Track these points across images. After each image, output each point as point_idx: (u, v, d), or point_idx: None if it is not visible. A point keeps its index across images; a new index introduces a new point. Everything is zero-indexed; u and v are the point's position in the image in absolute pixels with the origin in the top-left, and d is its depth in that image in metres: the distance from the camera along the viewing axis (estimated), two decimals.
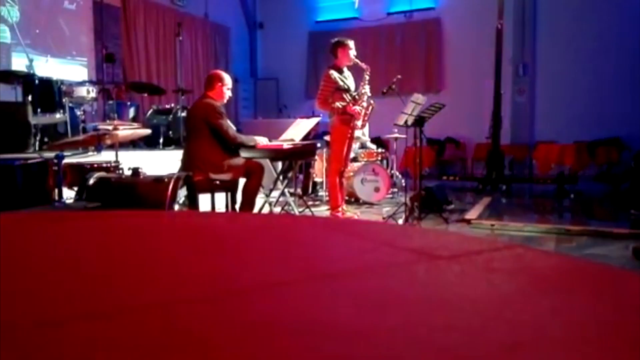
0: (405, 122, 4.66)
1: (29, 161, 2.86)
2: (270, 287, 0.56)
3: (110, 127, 3.24)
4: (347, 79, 4.64)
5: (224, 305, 0.51)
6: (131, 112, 6.58)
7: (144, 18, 8.65)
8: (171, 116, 6.48)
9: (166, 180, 2.79)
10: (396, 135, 6.77)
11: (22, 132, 4.56)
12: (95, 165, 3.14)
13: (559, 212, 5.76)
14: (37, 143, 4.72)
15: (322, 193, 6.41)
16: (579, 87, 8.76)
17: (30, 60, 6.06)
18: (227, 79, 4.08)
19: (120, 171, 3.17)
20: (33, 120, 4.68)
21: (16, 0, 6.57)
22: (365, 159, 6.28)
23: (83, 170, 2.99)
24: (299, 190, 5.16)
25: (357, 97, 4.59)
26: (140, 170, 2.96)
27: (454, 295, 0.54)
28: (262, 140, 4.15)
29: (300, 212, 4.77)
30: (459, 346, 0.41)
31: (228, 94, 4.10)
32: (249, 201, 3.98)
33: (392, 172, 6.93)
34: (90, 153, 3.91)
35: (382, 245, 0.80)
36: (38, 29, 6.93)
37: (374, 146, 6.75)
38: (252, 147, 4.08)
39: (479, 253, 0.74)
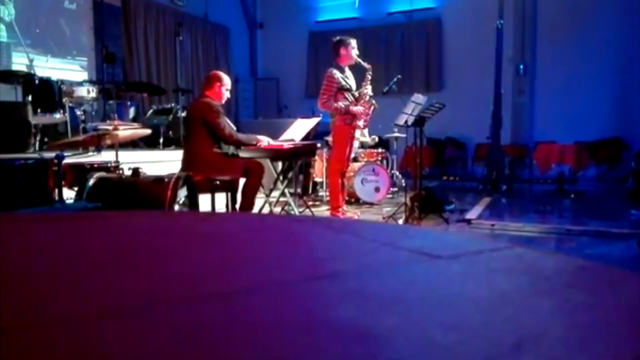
0: (406, 122, 4.66)
1: (29, 161, 2.86)
2: (270, 287, 0.56)
3: (110, 127, 3.24)
4: (349, 79, 4.62)
5: (225, 305, 0.51)
6: (131, 112, 6.58)
7: (144, 18, 8.65)
8: (171, 116, 6.49)
9: (166, 180, 2.79)
10: (396, 135, 6.78)
11: (22, 132, 4.56)
12: (95, 165, 3.13)
13: (559, 212, 5.76)
14: (37, 143, 4.72)
15: (322, 193, 6.41)
16: (579, 87, 8.76)
17: (31, 60, 6.07)
18: (226, 80, 4.08)
19: (120, 171, 3.17)
20: (33, 120, 4.68)
21: None
22: (365, 159, 6.28)
23: (83, 170, 2.99)
24: (299, 190, 5.16)
25: (359, 96, 4.58)
26: (140, 170, 2.96)
27: (454, 296, 0.54)
28: (264, 139, 4.14)
29: (300, 212, 4.77)
30: (459, 346, 0.41)
31: (226, 94, 4.10)
32: (249, 201, 3.98)
33: (393, 172, 6.94)
34: (90, 153, 3.91)
35: (382, 245, 0.80)
36: (38, 28, 6.94)
37: (373, 143, 6.74)
38: (253, 147, 4.08)
39: (479, 253, 0.74)
